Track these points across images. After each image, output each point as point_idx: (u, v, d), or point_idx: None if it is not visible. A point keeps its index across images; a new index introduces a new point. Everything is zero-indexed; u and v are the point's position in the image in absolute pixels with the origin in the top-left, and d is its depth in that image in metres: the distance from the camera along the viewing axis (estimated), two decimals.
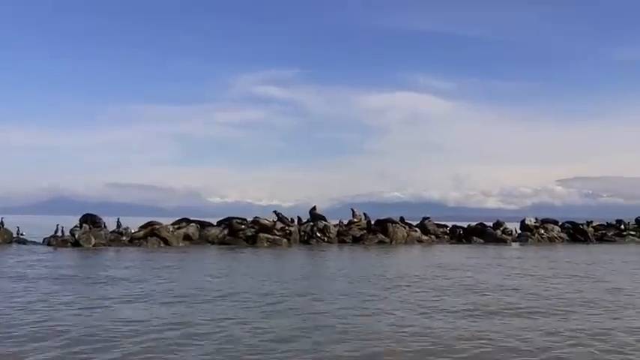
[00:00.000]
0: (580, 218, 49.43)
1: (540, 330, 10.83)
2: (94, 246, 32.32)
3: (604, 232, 46.50)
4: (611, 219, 49.91)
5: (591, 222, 47.74)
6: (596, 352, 9.33)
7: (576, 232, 45.45)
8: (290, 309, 12.92)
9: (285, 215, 37.35)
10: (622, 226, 47.44)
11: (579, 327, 11.13)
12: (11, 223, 36.47)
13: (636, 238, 46.25)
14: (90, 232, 33.22)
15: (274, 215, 36.99)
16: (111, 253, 29.14)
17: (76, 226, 33.82)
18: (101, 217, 35.06)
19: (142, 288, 16.03)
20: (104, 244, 32.77)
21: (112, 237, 33.96)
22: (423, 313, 12.51)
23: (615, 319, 12.10)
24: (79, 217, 34.89)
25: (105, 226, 34.52)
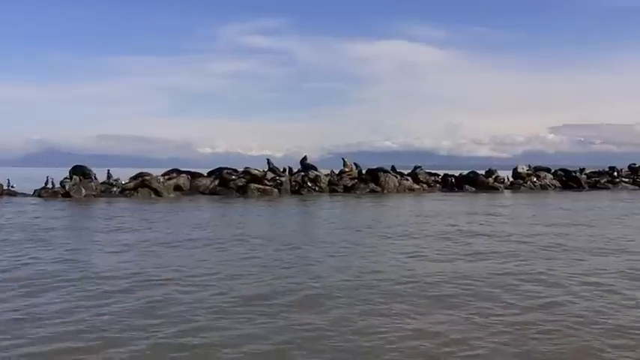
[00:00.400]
0: (572, 166, 49.48)
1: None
2: (84, 197, 32.27)
3: (597, 179, 46.66)
4: (604, 166, 50.03)
5: (584, 169, 47.86)
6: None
7: (569, 180, 45.54)
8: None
9: (276, 165, 37.13)
10: (615, 173, 47.57)
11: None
12: (1, 175, 36.28)
13: (629, 185, 46.45)
14: (80, 184, 33.07)
15: (265, 165, 36.79)
16: (101, 204, 29.07)
17: (66, 178, 33.64)
18: (94, 169, 34.88)
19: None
20: (95, 196, 32.67)
21: (103, 188, 33.84)
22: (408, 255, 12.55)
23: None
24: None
25: (95, 178, 34.35)
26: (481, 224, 19.96)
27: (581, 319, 8.00)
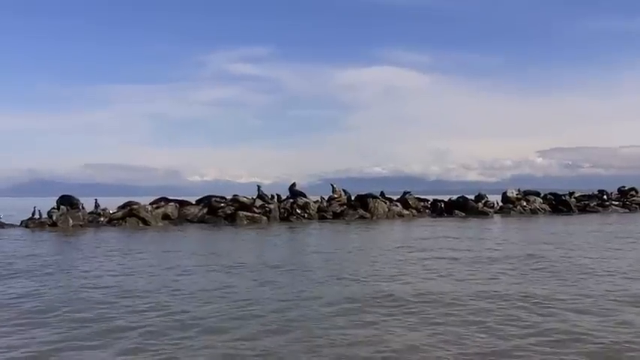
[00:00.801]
0: (560, 189, 49.66)
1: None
2: (72, 227, 32.02)
3: (586, 202, 46.72)
4: (592, 189, 50.20)
5: (573, 193, 47.95)
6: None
7: (558, 204, 45.62)
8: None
9: (266, 192, 37.00)
10: (604, 197, 47.71)
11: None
12: None
13: (619, 209, 46.51)
14: (67, 214, 32.85)
15: (255, 192, 36.66)
16: (89, 234, 28.82)
17: (53, 208, 33.42)
18: (81, 198, 34.68)
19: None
20: (82, 226, 32.43)
21: (90, 218, 33.61)
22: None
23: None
24: None
25: (83, 208, 34.15)
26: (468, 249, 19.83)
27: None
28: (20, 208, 43.29)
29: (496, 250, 19.72)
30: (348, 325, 9.16)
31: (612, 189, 49.59)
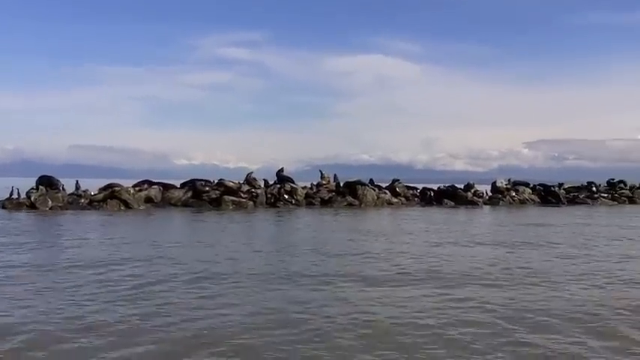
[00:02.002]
0: (546, 180, 49.03)
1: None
2: (50, 209, 31.04)
3: (575, 194, 46.35)
4: (578, 181, 49.82)
5: (562, 184, 47.53)
6: None
7: (548, 195, 45.18)
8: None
9: (253, 177, 36.06)
10: (593, 189, 47.35)
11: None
12: None
13: (608, 201, 46.18)
14: (47, 195, 31.86)
15: (242, 177, 35.80)
16: (68, 216, 27.90)
17: (32, 189, 32.40)
18: (66, 179, 33.66)
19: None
20: (61, 207, 31.44)
21: (70, 199, 32.58)
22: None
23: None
24: None
25: (63, 188, 33.15)
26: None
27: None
28: (2, 188, 42.10)
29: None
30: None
31: (598, 181, 49.12)
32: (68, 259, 13.92)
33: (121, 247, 16.32)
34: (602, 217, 31.88)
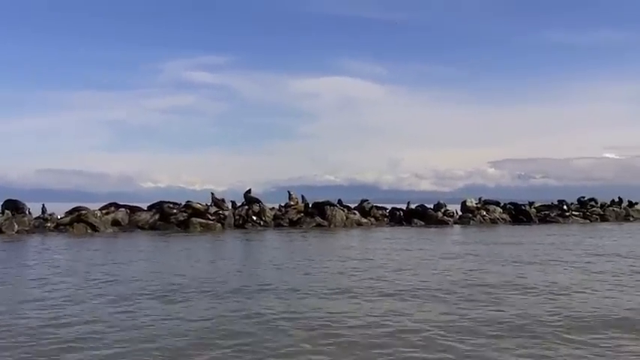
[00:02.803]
0: (514, 199, 49.06)
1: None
2: (17, 232, 30.98)
3: (547, 212, 46.59)
4: (545, 200, 50.08)
5: (533, 203, 47.79)
6: None
7: (519, 213, 45.47)
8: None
9: (218, 198, 36.08)
10: (564, 207, 47.68)
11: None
12: None
13: (579, 219, 46.53)
14: (13, 219, 31.83)
15: (208, 200, 35.83)
16: (34, 240, 27.82)
17: None
18: (32, 203, 33.57)
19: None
20: (27, 231, 31.38)
21: (37, 223, 32.56)
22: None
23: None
24: None
25: (29, 212, 33.13)
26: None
27: None
28: None
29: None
30: None
31: (565, 200, 49.20)
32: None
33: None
34: (581, 235, 32.07)
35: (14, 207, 32.57)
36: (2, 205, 32.86)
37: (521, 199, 50.35)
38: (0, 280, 14.48)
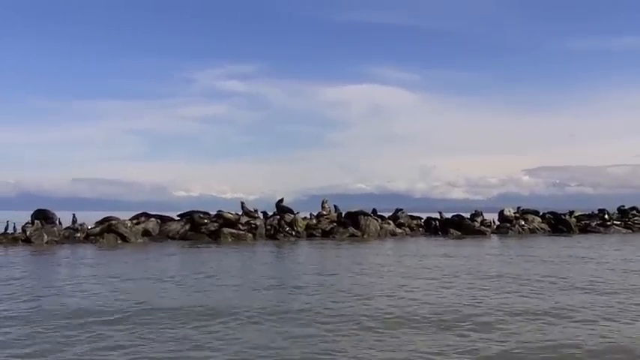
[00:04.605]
0: (550, 208, 47.53)
1: None
2: (47, 243, 30.50)
3: (587, 222, 44.93)
4: (581, 208, 48.39)
5: (573, 212, 46.18)
6: None
7: (558, 223, 43.93)
8: None
9: (248, 207, 35.29)
10: (605, 216, 45.96)
11: None
12: None
13: (621, 229, 44.75)
14: (42, 229, 31.34)
15: (239, 208, 35.04)
16: (64, 250, 27.26)
17: (27, 223, 31.89)
18: (67, 212, 33.13)
19: None
20: (57, 242, 30.89)
21: (67, 233, 32.00)
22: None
23: None
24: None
25: (59, 222, 32.66)
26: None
27: None
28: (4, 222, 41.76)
29: None
30: None
31: (601, 208, 47.44)
32: None
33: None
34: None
35: (44, 217, 32.09)
36: (32, 215, 32.38)
37: (557, 207, 48.83)
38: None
